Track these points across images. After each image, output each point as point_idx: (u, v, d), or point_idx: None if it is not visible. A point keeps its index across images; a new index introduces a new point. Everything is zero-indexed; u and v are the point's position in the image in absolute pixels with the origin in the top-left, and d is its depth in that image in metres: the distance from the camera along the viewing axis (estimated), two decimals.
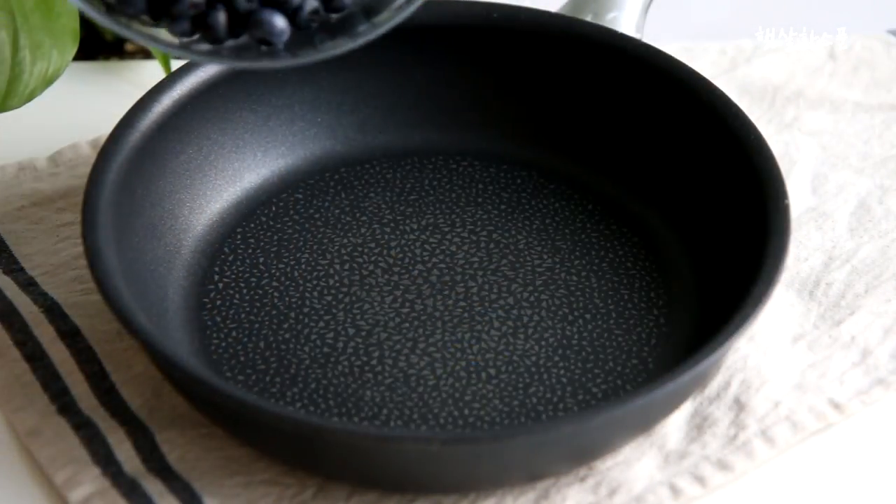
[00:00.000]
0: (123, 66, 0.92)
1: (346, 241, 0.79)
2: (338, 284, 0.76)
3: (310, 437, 0.65)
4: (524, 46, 0.82)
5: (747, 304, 0.68)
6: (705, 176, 0.78)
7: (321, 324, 0.75)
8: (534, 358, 0.73)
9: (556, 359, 0.73)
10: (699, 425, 0.71)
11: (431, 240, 0.79)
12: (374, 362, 0.73)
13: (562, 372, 0.73)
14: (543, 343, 0.74)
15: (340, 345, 0.74)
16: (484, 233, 0.80)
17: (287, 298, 0.76)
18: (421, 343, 0.74)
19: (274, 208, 0.81)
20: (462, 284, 0.77)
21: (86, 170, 0.73)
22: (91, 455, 0.69)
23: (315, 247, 0.79)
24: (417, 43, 0.81)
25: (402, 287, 0.77)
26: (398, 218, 0.80)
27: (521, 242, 0.80)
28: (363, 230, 0.80)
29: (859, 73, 0.92)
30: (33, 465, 0.70)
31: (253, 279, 0.77)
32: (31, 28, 0.77)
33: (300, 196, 0.82)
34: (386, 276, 0.77)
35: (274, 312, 0.76)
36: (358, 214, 0.81)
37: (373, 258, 0.78)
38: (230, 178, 0.81)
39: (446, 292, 0.77)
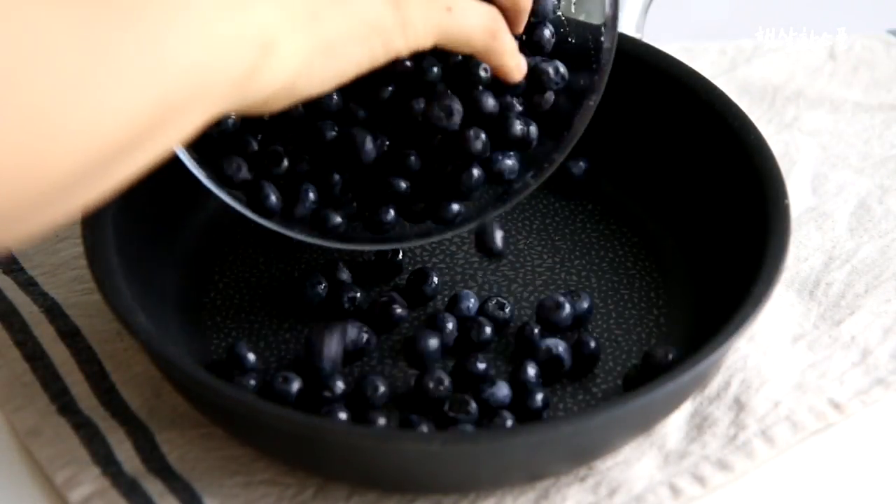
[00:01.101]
0: None
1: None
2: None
3: (310, 437, 0.65)
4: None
5: (747, 304, 0.68)
6: (705, 176, 0.78)
7: (321, 324, 0.75)
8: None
9: None
10: (699, 425, 0.71)
11: None
12: (374, 362, 0.73)
13: None
14: None
15: None
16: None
17: (287, 298, 0.76)
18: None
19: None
20: (462, 284, 0.77)
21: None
22: (91, 455, 0.69)
23: (315, 247, 0.78)
24: None
25: (402, 287, 0.77)
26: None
27: (521, 242, 0.80)
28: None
29: (859, 73, 0.92)
30: (33, 465, 0.70)
31: (253, 279, 0.77)
32: None
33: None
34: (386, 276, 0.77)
35: (274, 312, 0.76)
36: None
37: (373, 258, 0.78)
38: None
39: (446, 292, 0.76)
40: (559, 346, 0.72)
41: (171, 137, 0.56)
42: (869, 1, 1.20)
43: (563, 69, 0.73)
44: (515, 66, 0.70)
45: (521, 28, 0.71)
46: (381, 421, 0.68)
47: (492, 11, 0.68)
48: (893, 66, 0.92)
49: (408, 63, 0.71)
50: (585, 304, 0.75)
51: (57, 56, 0.51)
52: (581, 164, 0.82)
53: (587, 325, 0.75)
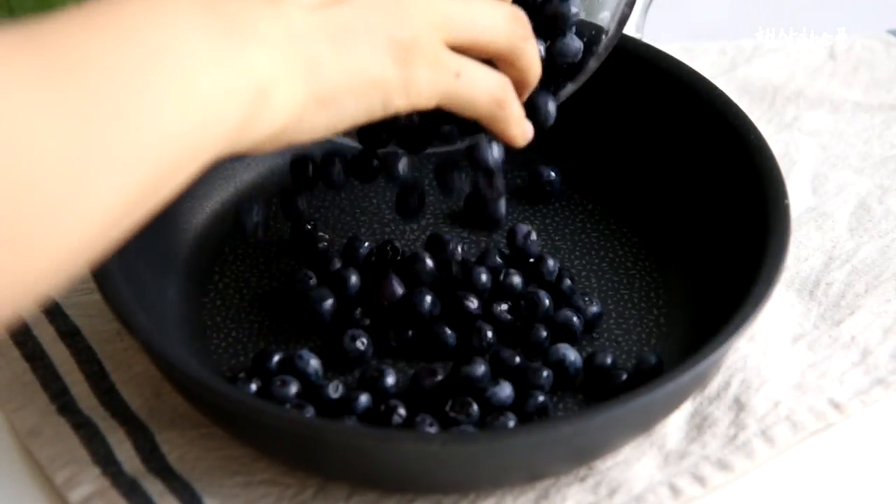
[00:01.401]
0: None
1: (346, 240, 0.79)
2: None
3: (310, 437, 0.65)
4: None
5: (747, 304, 0.68)
6: (705, 176, 0.78)
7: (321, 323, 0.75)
8: None
9: None
10: (699, 425, 0.71)
11: None
12: (374, 362, 0.73)
13: None
14: None
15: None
16: (484, 233, 0.80)
17: (287, 298, 0.76)
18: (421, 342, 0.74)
19: (274, 208, 0.80)
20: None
21: None
22: (91, 455, 0.69)
23: (315, 247, 0.78)
24: None
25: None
26: (398, 218, 0.80)
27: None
28: (363, 230, 0.79)
29: (859, 73, 0.92)
30: (33, 465, 0.70)
31: (253, 279, 0.77)
32: None
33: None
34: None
35: (274, 312, 0.76)
36: (358, 214, 0.80)
37: (373, 258, 0.78)
38: (229, 177, 0.81)
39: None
40: (571, 355, 0.72)
41: (165, 194, 0.55)
42: (869, 1, 1.20)
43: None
44: (521, 133, 0.68)
45: (523, 99, 0.69)
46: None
47: (501, 80, 0.66)
48: (893, 66, 0.92)
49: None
50: (595, 309, 0.74)
51: (46, 161, 0.50)
52: (552, 173, 0.82)
53: (595, 330, 0.75)
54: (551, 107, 0.72)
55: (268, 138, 0.60)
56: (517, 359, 0.71)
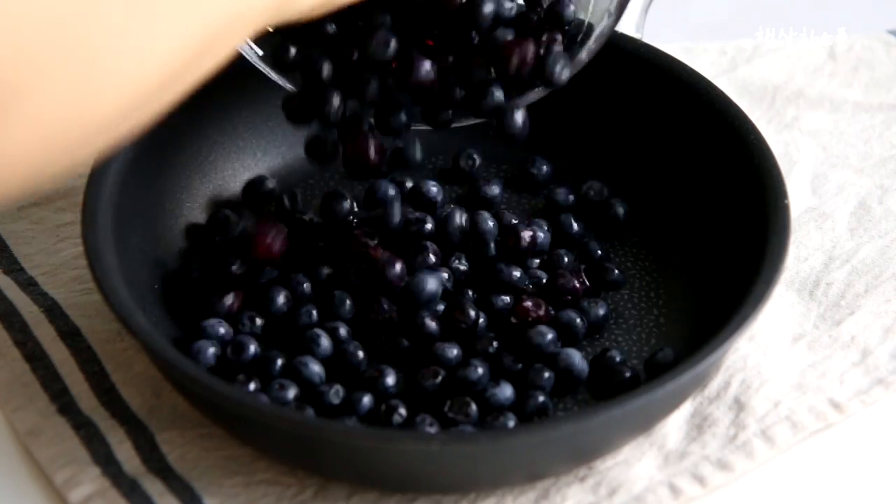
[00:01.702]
0: None
1: (345, 240, 0.79)
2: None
3: (310, 437, 0.65)
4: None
5: (747, 304, 0.68)
6: (705, 176, 0.78)
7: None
8: None
9: None
10: (699, 425, 0.71)
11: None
12: (374, 362, 0.73)
13: None
14: None
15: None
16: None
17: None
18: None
19: (274, 208, 0.80)
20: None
21: (86, 170, 0.73)
22: (91, 455, 0.69)
23: (315, 247, 0.78)
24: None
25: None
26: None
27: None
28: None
29: (859, 73, 0.92)
30: (33, 465, 0.70)
31: (253, 279, 0.77)
32: None
33: (300, 196, 0.82)
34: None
35: (274, 313, 0.75)
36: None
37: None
38: (230, 177, 0.81)
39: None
40: (577, 361, 0.71)
41: (213, 63, 0.56)
42: (869, 1, 1.20)
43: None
44: None
45: None
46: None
47: None
48: (893, 66, 0.92)
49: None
50: (601, 312, 0.74)
51: (102, 7, 0.51)
52: (545, 167, 0.82)
53: (602, 332, 0.75)
54: (519, 116, 0.72)
55: (318, 5, 0.60)
56: (519, 365, 0.71)
